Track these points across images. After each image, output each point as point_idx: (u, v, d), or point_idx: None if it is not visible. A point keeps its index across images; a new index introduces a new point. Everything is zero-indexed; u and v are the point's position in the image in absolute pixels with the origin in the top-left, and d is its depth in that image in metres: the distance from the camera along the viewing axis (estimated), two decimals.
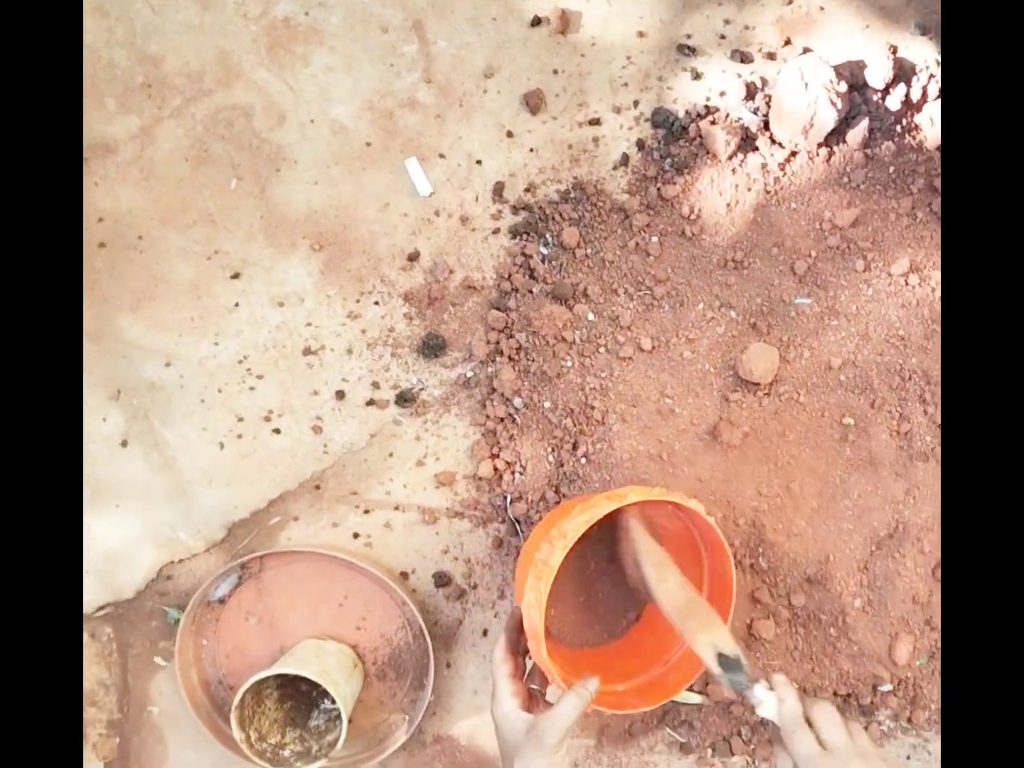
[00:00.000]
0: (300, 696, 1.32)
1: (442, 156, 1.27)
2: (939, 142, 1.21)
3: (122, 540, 1.33)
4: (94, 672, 1.35)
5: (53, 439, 0.84)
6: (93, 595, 1.34)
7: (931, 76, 1.22)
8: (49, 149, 0.85)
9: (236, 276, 1.29)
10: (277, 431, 1.30)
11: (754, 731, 1.26)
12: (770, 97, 1.25)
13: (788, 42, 1.26)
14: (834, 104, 1.21)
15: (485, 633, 1.32)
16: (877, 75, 1.23)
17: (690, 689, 1.25)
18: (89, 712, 1.35)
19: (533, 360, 1.26)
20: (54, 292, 0.84)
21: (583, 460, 1.25)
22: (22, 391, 0.83)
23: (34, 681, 0.80)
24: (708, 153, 1.26)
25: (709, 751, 1.28)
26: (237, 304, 1.29)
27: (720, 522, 1.22)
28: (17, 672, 0.80)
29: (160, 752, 1.35)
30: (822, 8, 1.24)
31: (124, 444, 1.31)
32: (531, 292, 1.26)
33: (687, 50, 1.26)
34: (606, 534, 1.14)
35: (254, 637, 1.33)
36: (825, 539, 1.23)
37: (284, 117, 1.27)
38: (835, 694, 1.24)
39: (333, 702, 1.27)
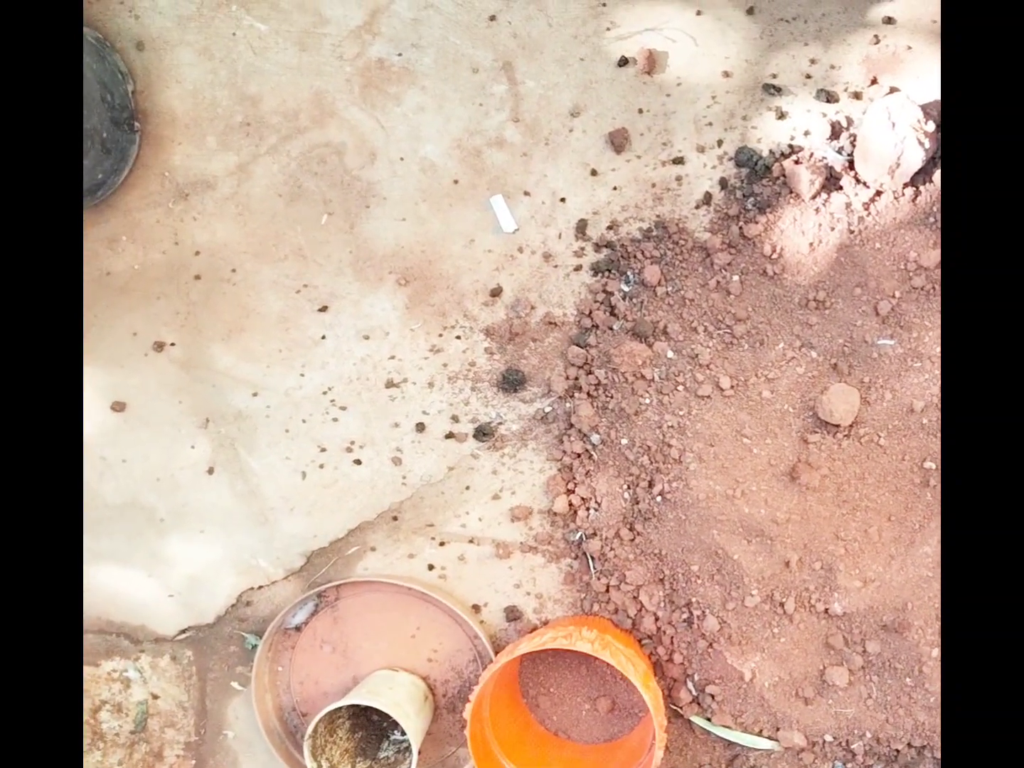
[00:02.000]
0: (371, 726, 1.84)
1: (527, 194, 1.79)
2: None
3: (205, 565, 1.89)
4: (173, 694, 1.90)
5: (50, 457, 1.18)
6: (176, 618, 1.91)
7: None
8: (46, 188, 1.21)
9: (324, 309, 1.83)
10: (358, 462, 1.83)
11: None
12: (855, 136, 1.72)
13: (875, 81, 1.74)
14: (921, 144, 1.67)
15: None
16: None
17: (759, 733, 1.70)
18: (167, 733, 1.90)
19: (611, 397, 1.75)
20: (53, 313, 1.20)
21: (659, 499, 1.73)
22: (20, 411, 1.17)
23: (34, 697, 1.14)
24: (791, 192, 1.74)
25: None
26: (324, 336, 1.83)
27: (796, 565, 1.67)
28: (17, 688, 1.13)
29: None
30: (909, 47, 1.71)
31: (211, 471, 1.86)
32: (611, 329, 1.76)
33: (772, 89, 1.75)
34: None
35: (328, 665, 1.86)
36: (903, 586, 1.69)
37: (375, 155, 1.81)
38: (910, 745, 1.68)
39: (403, 733, 1.78)
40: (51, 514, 1.16)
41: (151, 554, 1.91)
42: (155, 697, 1.94)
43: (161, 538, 1.90)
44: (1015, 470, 1.12)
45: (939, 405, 1.70)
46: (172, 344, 1.88)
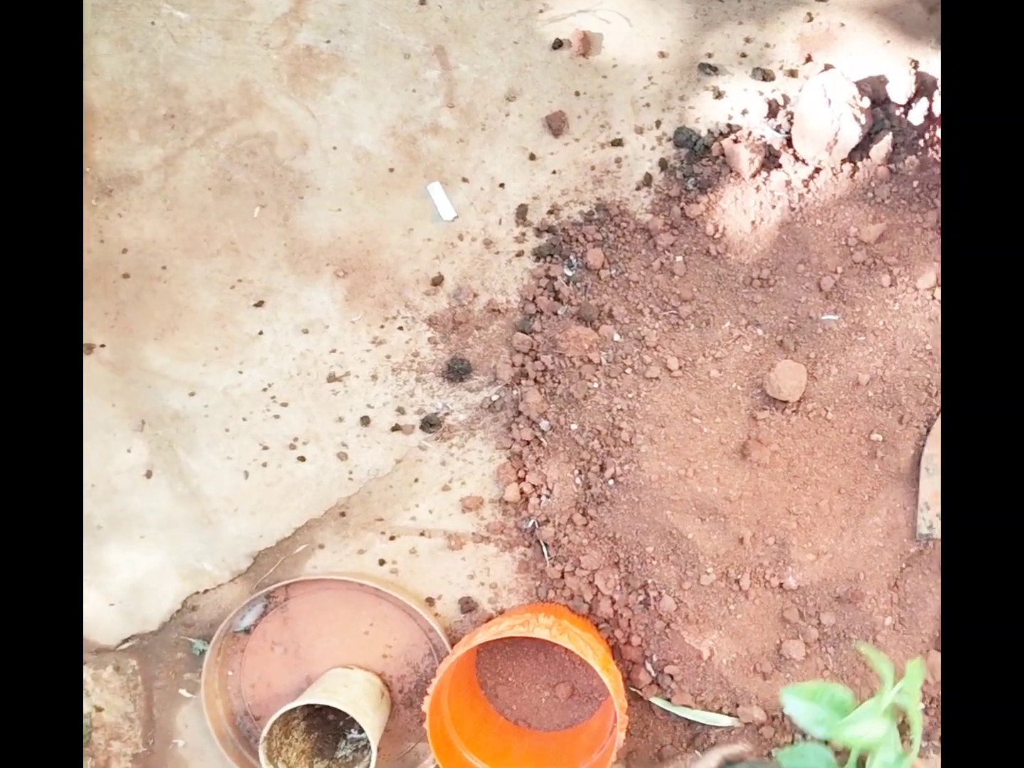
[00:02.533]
0: (327, 726, 1.84)
1: (465, 180, 1.80)
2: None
3: (147, 571, 1.87)
4: (118, 705, 1.88)
5: (53, 467, 1.18)
6: (118, 628, 1.88)
7: None
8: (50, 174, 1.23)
9: (260, 304, 1.82)
10: (302, 459, 1.83)
11: None
12: (792, 114, 1.76)
13: (809, 59, 1.77)
14: (858, 120, 1.72)
15: None
16: (899, 90, 1.74)
17: (719, 710, 1.74)
18: (113, 746, 1.88)
19: (559, 382, 1.77)
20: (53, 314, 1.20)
21: (611, 482, 1.76)
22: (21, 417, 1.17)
23: (34, 705, 1.12)
24: (731, 171, 1.77)
25: None
26: (261, 332, 1.82)
27: (750, 541, 1.71)
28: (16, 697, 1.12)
29: None
30: (843, 24, 1.75)
31: (149, 475, 1.85)
32: (556, 314, 1.78)
33: (708, 69, 1.78)
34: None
35: (280, 667, 1.85)
36: (855, 557, 1.74)
37: (307, 145, 1.80)
38: None
39: (361, 731, 1.79)
40: (50, 518, 1.16)
41: (89, 563, 1.88)
42: (99, 710, 1.91)
43: (99, 546, 1.87)
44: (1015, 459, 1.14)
45: (883, 377, 1.75)
46: (102, 346, 1.85)
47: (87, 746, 1.88)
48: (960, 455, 1.14)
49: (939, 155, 1.75)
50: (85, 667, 1.89)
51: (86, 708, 1.89)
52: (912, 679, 1.16)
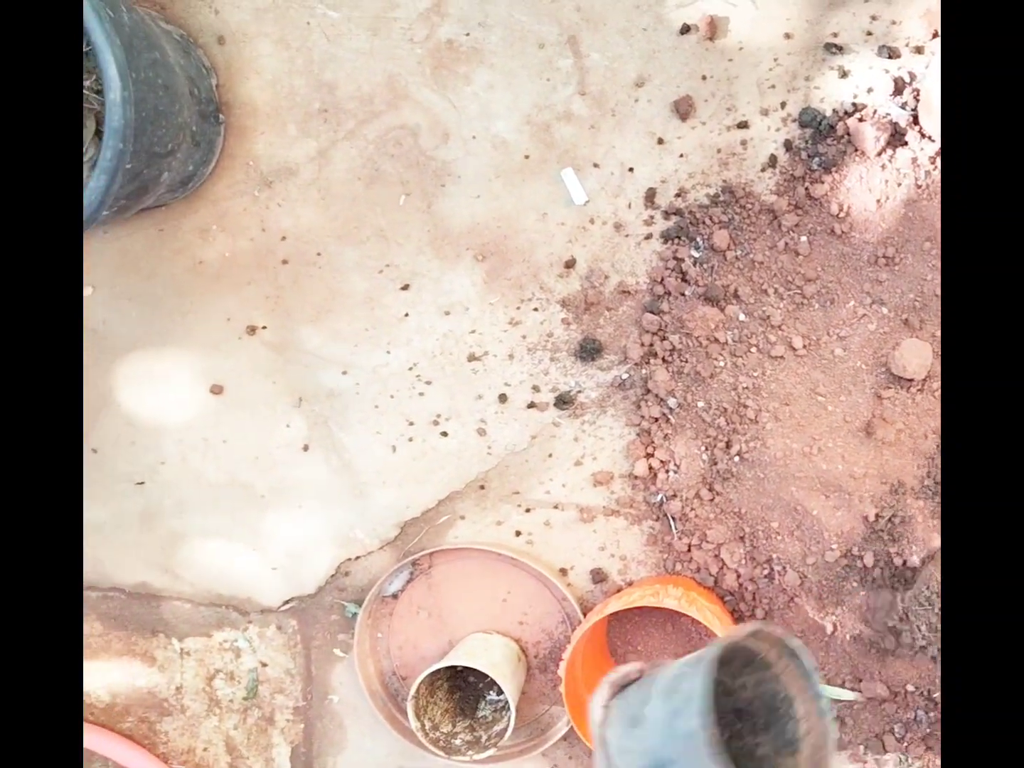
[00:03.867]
0: (468, 688, 2.09)
1: (596, 165, 2.00)
2: None
3: (305, 539, 2.15)
4: (281, 661, 2.17)
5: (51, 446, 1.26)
6: (279, 591, 2.17)
7: None
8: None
9: (406, 288, 2.06)
10: (445, 434, 2.06)
11: (907, 728, 1.89)
12: (918, 91, 1.90)
13: (936, 35, 1.90)
14: None
15: None
16: None
17: (842, 685, 1.87)
18: (277, 699, 2.17)
19: (686, 361, 1.94)
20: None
21: (736, 458, 1.92)
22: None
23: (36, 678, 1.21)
24: (856, 150, 1.91)
25: (861, 748, 1.92)
26: (407, 314, 2.06)
27: (874, 519, 1.85)
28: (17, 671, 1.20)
29: (340, 738, 2.16)
30: None
31: (306, 448, 2.11)
32: (683, 295, 1.95)
33: (834, 49, 1.92)
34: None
35: (425, 630, 2.10)
36: None
37: (448, 134, 2.03)
38: None
39: (499, 694, 2.02)
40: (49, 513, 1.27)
41: (253, 529, 2.16)
42: (264, 665, 2.19)
43: (262, 514, 2.15)
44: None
45: None
46: (264, 327, 2.12)
47: (254, 698, 2.15)
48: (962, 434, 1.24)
49: None
50: (252, 626, 2.18)
51: (253, 663, 2.17)
52: None
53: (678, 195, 2.03)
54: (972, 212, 1.27)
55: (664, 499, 2.02)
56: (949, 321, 1.27)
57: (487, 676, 2.03)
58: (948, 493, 1.25)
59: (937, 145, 1.90)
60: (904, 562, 1.92)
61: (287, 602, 2.21)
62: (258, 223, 2.14)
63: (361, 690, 2.14)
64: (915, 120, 1.92)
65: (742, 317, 1.99)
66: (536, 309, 2.08)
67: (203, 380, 2.17)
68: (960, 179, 1.28)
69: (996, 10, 1.29)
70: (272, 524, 2.19)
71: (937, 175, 1.91)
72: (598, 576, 2.08)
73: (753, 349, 1.97)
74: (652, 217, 2.04)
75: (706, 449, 2.00)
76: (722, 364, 1.99)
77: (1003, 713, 1.17)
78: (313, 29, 2.10)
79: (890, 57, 1.94)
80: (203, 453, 2.19)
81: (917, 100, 1.92)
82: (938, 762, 1.96)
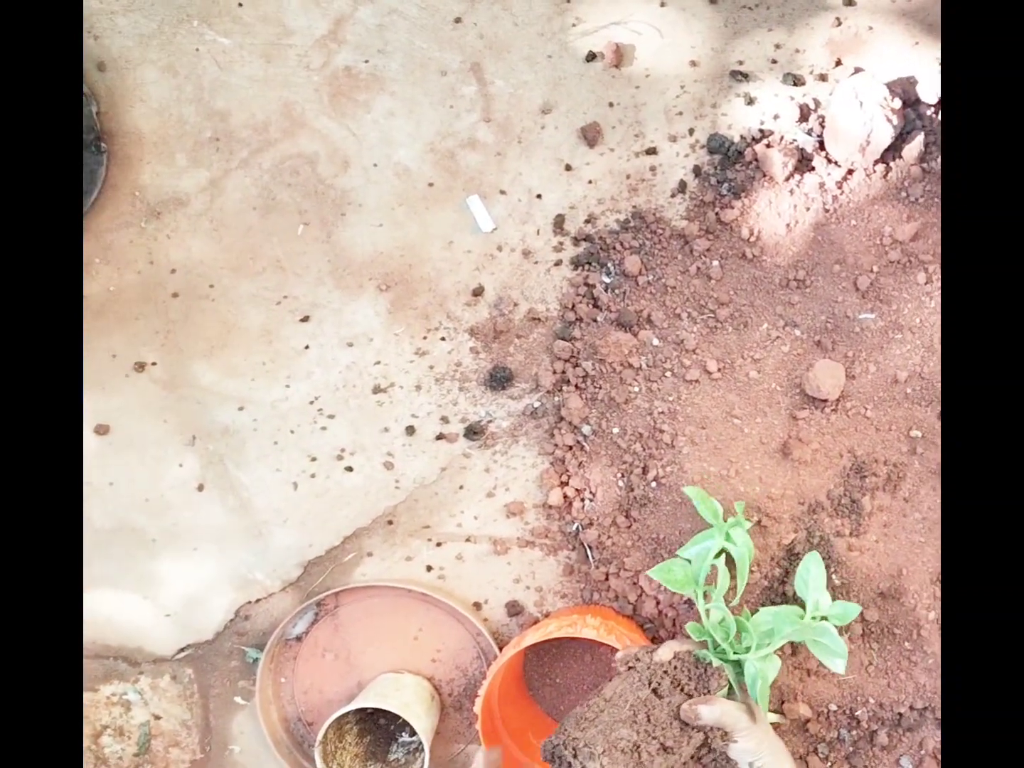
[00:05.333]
0: (378, 730, 2.07)
1: (503, 192, 2.01)
2: None
3: (201, 583, 2.11)
4: (176, 713, 2.09)
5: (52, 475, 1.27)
6: (173, 638, 2.13)
7: None
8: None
9: (306, 319, 2.03)
10: (350, 469, 2.03)
11: (831, 748, 1.93)
12: (824, 118, 1.97)
13: (839, 63, 1.98)
14: (890, 120, 1.91)
15: None
16: (929, 90, 1.93)
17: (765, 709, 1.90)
18: (172, 753, 2.10)
19: (600, 387, 1.96)
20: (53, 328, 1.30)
21: (654, 484, 1.95)
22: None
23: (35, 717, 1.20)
24: (765, 176, 1.96)
25: None
26: (307, 347, 2.03)
27: (795, 541, 1.89)
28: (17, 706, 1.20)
29: None
30: (871, 28, 1.95)
31: (200, 488, 2.06)
32: (595, 321, 1.97)
33: (740, 76, 1.97)
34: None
35: (331, 673, 2.07)
36: (897, 553, 1.93)
37: (348, 163, 2.02)
38: (912, 708, 1.90)
39: (412, 735, 2.01)
40: (51, 537, 1.28)
41: (144, 575, 2.10)
42: (157, 718, 2.12)
43: (153, 559, 2.10)
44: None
45: (921, 374, 1.91)
46: (153, 363, 2.08)
47: (146, 753, 2.07)
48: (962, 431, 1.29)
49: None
50: (143, 677, 2.12)
51: (145, 717, 2.10)
52: (740, 519, 1.60)
53: (587, 221, 2.06)
54: (973, 211, 1.32)
55: (580, 528, 2.04)
56: (949, 321, 1.32)
57: (399, 717, 2.01)
58: (948, 491, 1.29)
59: (843, 170, 1.97)
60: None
61: (182, 650, 2.15)
62: (146, 255, 2.09)
63: (264, 738, 2.09)
64: (821, 146, 2.00)
65: (656, 342, 2.02)
66: (443, 339, 2.08)
67: (87, 420, 2.10)
68: (960, 178, 1.34)
69: (996, 10, 1.35)
70: (165, 569, 2.13)
71: (845, 199, 1.98)
72: (514, 609, 2.07)
73: (668, 373, 2.01)
74: (561, 243, 2.07)
75: (622, 475, 2.01)
76: (637, 389, 2.02)
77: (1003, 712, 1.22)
78: (203, 56, 2.07)
79: (795, 84, 2.02)
80: (87, 497, 2.12)
81: (823, 126, 2.00)
82: None
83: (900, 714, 1.98)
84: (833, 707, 2.00)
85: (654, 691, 1.53)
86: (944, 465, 1.38)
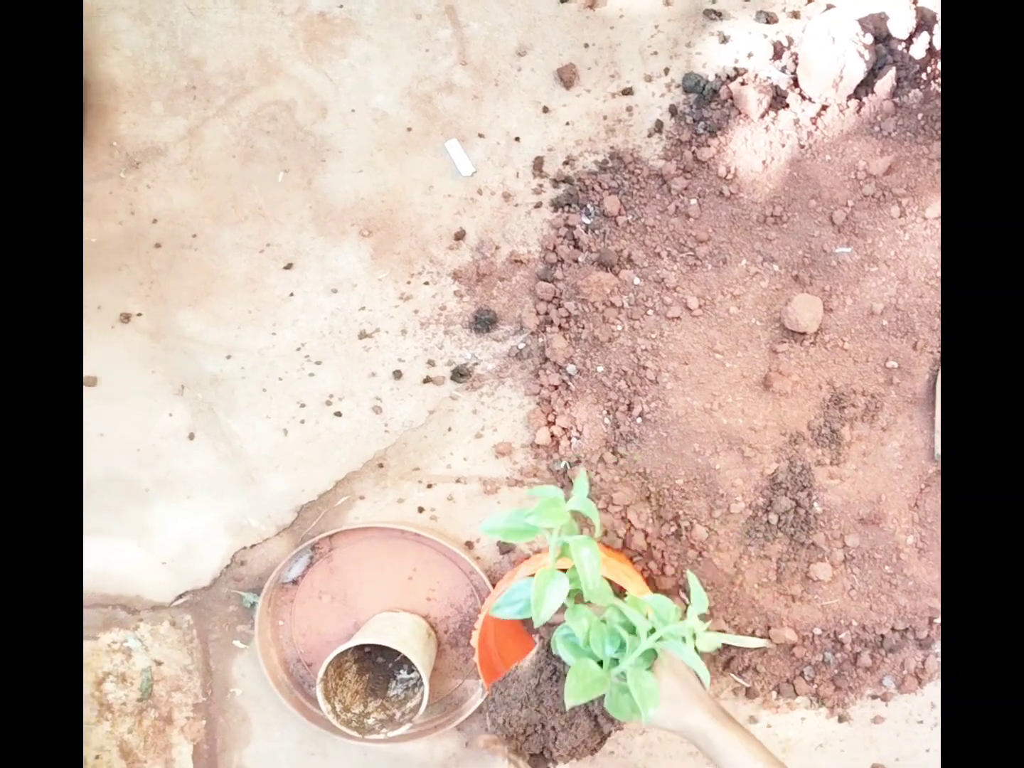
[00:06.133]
0: (377, 668, 2.16)
1: (481, 136, 2.06)
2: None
3: (196, 530, 2.17)
4: (177, 658, 2.17)
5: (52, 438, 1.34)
6: (171, 585, 2.19)
7: None
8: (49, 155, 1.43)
9: (289, 267, 2.08)
10: (339, 414, 2.09)
11: (816, 671, 2.03)
12: (797, 55, 2.02)
13: (811, 0, 1.97)
14: (861, 56, 1.96)
15: None
16: (900, 25, 1.98)
17: (752, 634, 1.99)
18: (175, 697, 2.18)
19: (583, 327, 2.02)
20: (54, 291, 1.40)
21: (639, 420, 2.02)
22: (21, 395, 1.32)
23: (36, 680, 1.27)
24: (740, 114, 2.03)
25: (773, 694, 2.04)
26: (292, 294, 2.08)
27: (778, 471, 1.97)
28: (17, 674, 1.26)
29: (245, 731, 2.18)
30: None
31: (191, 437, 2.11)
32: (577, 261, 2.03)
33: (713, 15, 2.03)
34: None
35: (328, 615, 2.15)
36: (876, 480, 2.02)
37: (326, 109, 2.06)
38: (893, 629, 2.00)
39: (410, 671, 2.10)
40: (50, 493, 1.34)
41: (140, 524, 2.16)
42: (159, 663, 2.19)
43: (148, 508, 2.15)
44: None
45: (897, 306, 1.99)
46: (139, 314, 2.12)
47: (149, 698, 2.14)
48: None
49: (940, 87, 1.95)
50: (143, 624, 2.18)
51: (146, 663, 2.17)
52: (581, 486, 1.58)
53: (566, 163, 2.11)
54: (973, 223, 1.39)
55: (568, 465, 2.10)
56: (949, 325, 1.39)
57: (397, 655, 2.11)
58: (948, 490, 1.37)
59: (817, 106, 2.02)
60: (807, 511, 2.05)
61: (180, 596, 2.21)
62: (126, 206, 2.13)
63: (265, 680, 2.17)
64: (795, 83, 2.06)
65: (637, 281, 2.08)
66: (427, 283, 2.13)
67: None
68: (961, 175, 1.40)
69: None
70: (160, 518, 2.19)
71: (819, 135, 2.04)
72: (505, 546, 2.15)
73: (649, 311, 2.07)
74: (541, 186, 2.12)
75: (608, 413, 2.08)
76: (619, 328, 2.08)
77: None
78: (175, 3, 2.11)
79: (768, 22, 2.07)
80: None
81: (796, 63, 2.05)
82: (845, 699, 2.11)
83: (882, 636, 2.09)
84: (818, 631, 2.10)
85: (549, 676, 1.66)
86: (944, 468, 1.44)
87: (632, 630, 1.53)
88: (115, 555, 2.21)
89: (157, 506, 2.19)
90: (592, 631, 1.54)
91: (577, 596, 1.59)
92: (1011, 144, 1.38)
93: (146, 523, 2.20)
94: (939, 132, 2.04)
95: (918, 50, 2.02)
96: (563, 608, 1.57)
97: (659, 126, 2.11)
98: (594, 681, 1.50)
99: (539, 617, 1.49)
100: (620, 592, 2.04)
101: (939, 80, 2.03)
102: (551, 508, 1.52)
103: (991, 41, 1.41)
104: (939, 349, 2.05)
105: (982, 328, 1.35)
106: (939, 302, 2.04)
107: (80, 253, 2.11)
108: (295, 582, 2.19)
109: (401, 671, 2.20)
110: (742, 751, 1.56)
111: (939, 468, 2.06)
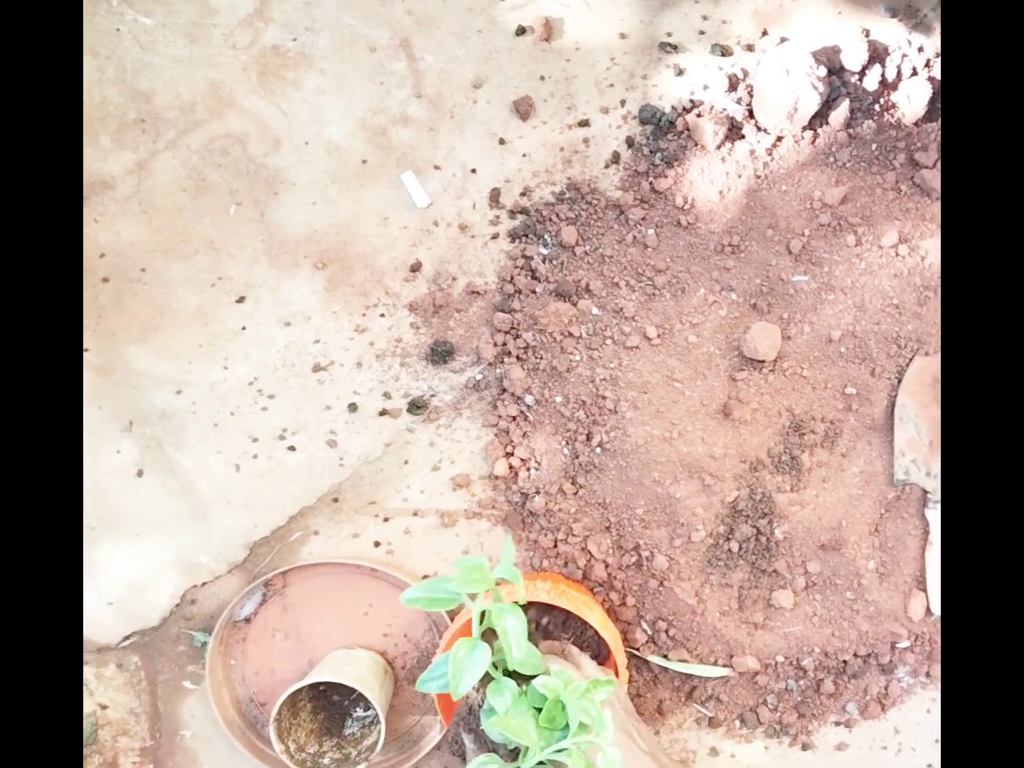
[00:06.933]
0: (332, 707, 2.17)
1: (437, 167, 2.09)
2: (917, 118, 2.01)
3: (144, 569, 2.17)
4: (123, 701, 2.15)
5: (53, 469, 1.34)
6: (118, 626, 2.19)
7: (903, 56, 2.02)
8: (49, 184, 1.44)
9: (241, 300, 2.09)
10: (292, 448, 2.10)
11: (780, 698, 2.06)
12: (752, 87, 2.07)
13: (765, 33, 2.10)
14: (816, 88, 2.01)
15: None
16: (853, 58, 2.04)
17: (715, 663, 2.00)
18: (121, 742, 2.15)
19: (541, 357, 2.05)
20: (55, 321, 1.37)
21: (598, 450, 2.05)
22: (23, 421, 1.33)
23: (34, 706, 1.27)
24: (697, 145, 2.08)
25: (737, 722, 2.06)
26: (244, 327, 2.09)
27: (738, 499, 1.98)
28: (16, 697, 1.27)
29: None
30: None
31: (140, 474, 2.11)
32: (534, 292, 2.07)
33: (668, 47, 2.07)
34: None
35: (282, 653, 2.15)
36: (836, 506, 2.05)
37: (279, 141, 2.08)
38: (856, 655, 2.04)
39: (366, 709, 2.10)
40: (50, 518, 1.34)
41: (85, 563, 2.12)
42: (104, 707, 2.17)
43: (94, 546, 2.16)
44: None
45: (854, 333, 2.04)
46: (85, 350, 2.08)
47: (94, 744, 2.10)
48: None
49: (894, 117, 2.00)
50: (87, 667, 2.19)
51: (90, 707, 2.16)
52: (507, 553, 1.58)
53: (523, 194, 2.14)
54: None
55: (527, 497, 2.11)
56: (949, 328, 1.43)
57: (353, 693, 2.11)
58: (948, 486, 1.40)
59: (773, 137, 2.07)
60: (768, 538, 2.08)
61: (127, 637, 2.20)
62: None
63: (216, 721, 2.16)
64: (751, 114, 2.11)
65: (595, 311, 2.11)
66: (383, 315, 2.14)
67: None
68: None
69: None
70: (106, 556, 2.18)
71: (775, 165, 2.09)
72: None
73: (608, 341, 2.10)
74: (498, 217, 2.14)
75: (567, 443, 2.10)
76: (578, 358, 2.10)
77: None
78: (124, 36, 2.10)
79: (723, 55, 2.12)
80: None
81: (751, 95, 2.11)
82: (809, 726, 2.13)
83: (845, 662, 2.12)
84: (780, 658, 2.13)
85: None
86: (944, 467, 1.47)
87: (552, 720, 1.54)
88: None
89: (103, 545, 2.17)
90: (512, 709, 1.54)
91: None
92: (1011, 168, 1.43)
93: (92, 562, 2.18)
94: (892, 162, 2.10)
95: (871, 82, 2.07)
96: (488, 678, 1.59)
97: (616, 157, 2.14)
98: None
99: (456, 691, 1.49)
100: (581, 626, 2.05)
101: (891, 111, 2.08)
102: (473, 575, 1.52)
103: (990, 66, 1.46)
104: (896, 375, 2.09)
105: (982, 343, 1.39)
106: (896, 329, 2.09)
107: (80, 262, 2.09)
108: (247, 620, 2.18)
109: (357, 709, 2.18)
110: None
111: (899, 493, 2.10)
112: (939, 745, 2.17)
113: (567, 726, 1.53)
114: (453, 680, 1.48)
